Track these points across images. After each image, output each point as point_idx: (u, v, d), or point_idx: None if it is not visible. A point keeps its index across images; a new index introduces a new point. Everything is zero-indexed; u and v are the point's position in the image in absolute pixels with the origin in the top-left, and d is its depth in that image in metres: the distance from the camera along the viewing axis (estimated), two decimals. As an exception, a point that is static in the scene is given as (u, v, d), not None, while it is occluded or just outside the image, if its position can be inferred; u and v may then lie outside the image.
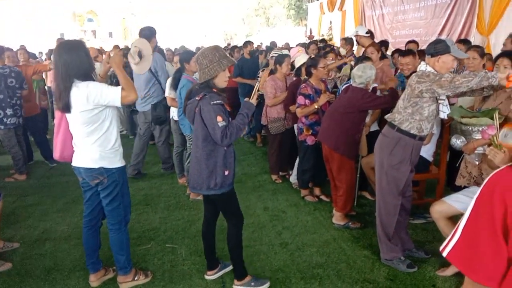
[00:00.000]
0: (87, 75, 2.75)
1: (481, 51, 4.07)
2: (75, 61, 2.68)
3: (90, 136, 2.78)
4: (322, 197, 4.74)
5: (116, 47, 11.27)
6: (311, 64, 4.46)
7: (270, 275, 3.25)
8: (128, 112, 8.13)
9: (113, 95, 2.69)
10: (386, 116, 3.32)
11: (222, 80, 2.78)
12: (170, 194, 5.05)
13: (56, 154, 3.00)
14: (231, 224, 3.01)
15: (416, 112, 3.06)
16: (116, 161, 2.91)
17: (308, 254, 3.56)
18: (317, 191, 4.81)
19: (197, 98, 2.73)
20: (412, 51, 4.64)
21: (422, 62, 3.14)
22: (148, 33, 5.14)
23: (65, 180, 5.59)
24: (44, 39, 26.19)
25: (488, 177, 1.31)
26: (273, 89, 5.05)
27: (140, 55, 4.86)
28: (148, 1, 36.25)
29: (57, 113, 2.91)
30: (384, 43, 6.92)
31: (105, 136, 2.81)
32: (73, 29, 31.00)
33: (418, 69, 3.14)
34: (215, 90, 2.77)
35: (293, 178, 5.14)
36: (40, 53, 14.86)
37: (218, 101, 2.69)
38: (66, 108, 2.69)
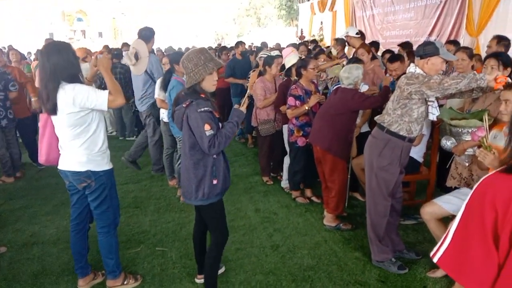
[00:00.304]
0: (74, 76, 2.71)
1: (470, 52, 4.09)
2: (63, 62, 2.63)
3: (76, 139, 2.74)
4: (313, 198, 4.73)
5: (106, 47, 11.18)
6: (301, 65, 4.44)
7: (261, 278, 3.23)
8: (119, 113, 8.09)
9: (100, 99, 2.66)
10: (375, 118, 3.32)
11: (210, 84, 2.65)
12: (160, 196, 5.01)
13: (42, 158, 2.95)
14: (214, 238, 2.86)
15: (405, 114, 3.06)
16: (103, 164, 2.87)
17: (299, 256, 3.55)
18: (308, 192, 4.81)
19: (183, 105, 2.60)
20: (400, 56, 4.65)
21: (412, 64, 3.15)
22: (147, 34, 5.16)
23: (54, 182, 5.52)
24: (33, 39, 25.93)
25: (478, 182, 1.30)
26: (262, 91, 5.03)
27: (136, 57, 4.96)
28: (139, 1, 36.06)
29: (42, 116, 2.87)
30: (375, 44, 6.94)
31: (92, 138, 2.77)
32: (62, 29, 30.70)
33: (407, 71, 3.15)
34: (203, 95, 2.63)
35: (284, 183, 5.12)
36: (29, 53, 14.71)
37: (205, 108, 2.56)
38: (53, 109, 2.65)
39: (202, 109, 2.55)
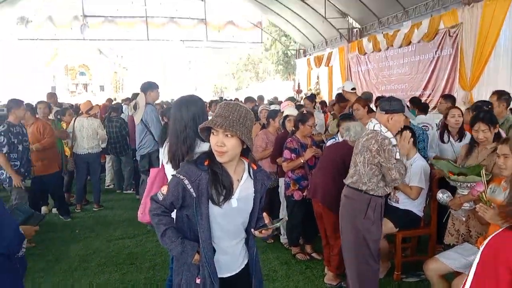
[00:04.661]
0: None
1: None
2: (201, 115, 2.46)
3: None
4: (314, 255, 4.58)
5: (109, 100, 11.43)
6: (300, 118, 4.47)
7: None
8: (118, 165, 8.02)
9: None
10: (346, 182, 3.28)
11: None
12: (156, 252, 4.87)
13: (140, 213, 2.85)
14: None
15: (381, 180, 3.07)
16: None
17: (300, 316, 3.42)
18: (308, 248, 4.68)
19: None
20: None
21: (373, 119, 3.09)
22: (145, 86, 5.55)
23: (49, 238, 5.40)
24: (36, 92, 26.34)
25: (486, 242, 1.26)
26: (263, 142, 5.04)
27: (135, 107, 5.49)
28: (140, 55, 37.09)
29: (153, 171, 2.78)
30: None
31: None
32: (64, 82, 31.34)
33: (370, 127, 3.09)
34: None
35: (283, 238, 4.98)
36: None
37: None
38: None
39: None
